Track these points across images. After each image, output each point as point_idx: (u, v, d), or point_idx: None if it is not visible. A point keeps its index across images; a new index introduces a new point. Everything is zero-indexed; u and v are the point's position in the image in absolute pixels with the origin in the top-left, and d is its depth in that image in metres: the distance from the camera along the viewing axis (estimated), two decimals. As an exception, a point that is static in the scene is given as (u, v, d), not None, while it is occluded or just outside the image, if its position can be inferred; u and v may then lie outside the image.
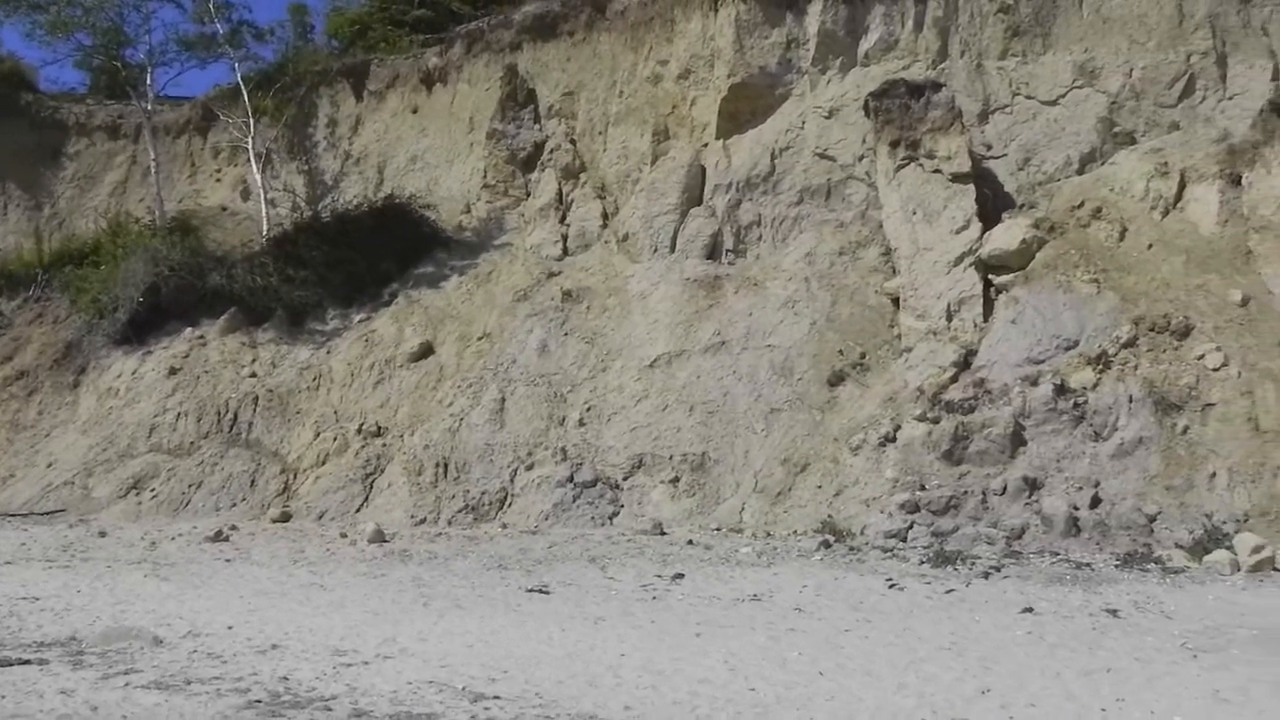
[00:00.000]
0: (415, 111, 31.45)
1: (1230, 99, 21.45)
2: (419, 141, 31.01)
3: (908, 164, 20.91)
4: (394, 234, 27.75)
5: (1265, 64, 21.46)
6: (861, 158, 22.75)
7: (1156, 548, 14.58)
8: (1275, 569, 13.51)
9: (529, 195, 27.92)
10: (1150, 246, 19.35)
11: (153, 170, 32.95)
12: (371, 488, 21.80)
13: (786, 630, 11.42)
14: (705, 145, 24.86)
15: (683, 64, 25.66)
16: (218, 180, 34.67)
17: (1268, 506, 15.07)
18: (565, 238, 26.28)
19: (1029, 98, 22.49)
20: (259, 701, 8.92)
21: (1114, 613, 11.89)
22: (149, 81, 33.63)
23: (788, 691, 9.10)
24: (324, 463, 22.87)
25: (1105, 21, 22.47)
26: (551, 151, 27.86)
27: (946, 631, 11.22)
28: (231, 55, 32.76)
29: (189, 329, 27.94)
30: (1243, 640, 10.63)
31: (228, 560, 17.50)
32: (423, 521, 20.28)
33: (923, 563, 14.72)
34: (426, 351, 24.83)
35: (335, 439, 23.23)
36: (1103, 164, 21.45)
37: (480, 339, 24.24)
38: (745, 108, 24.30)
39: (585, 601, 13.17)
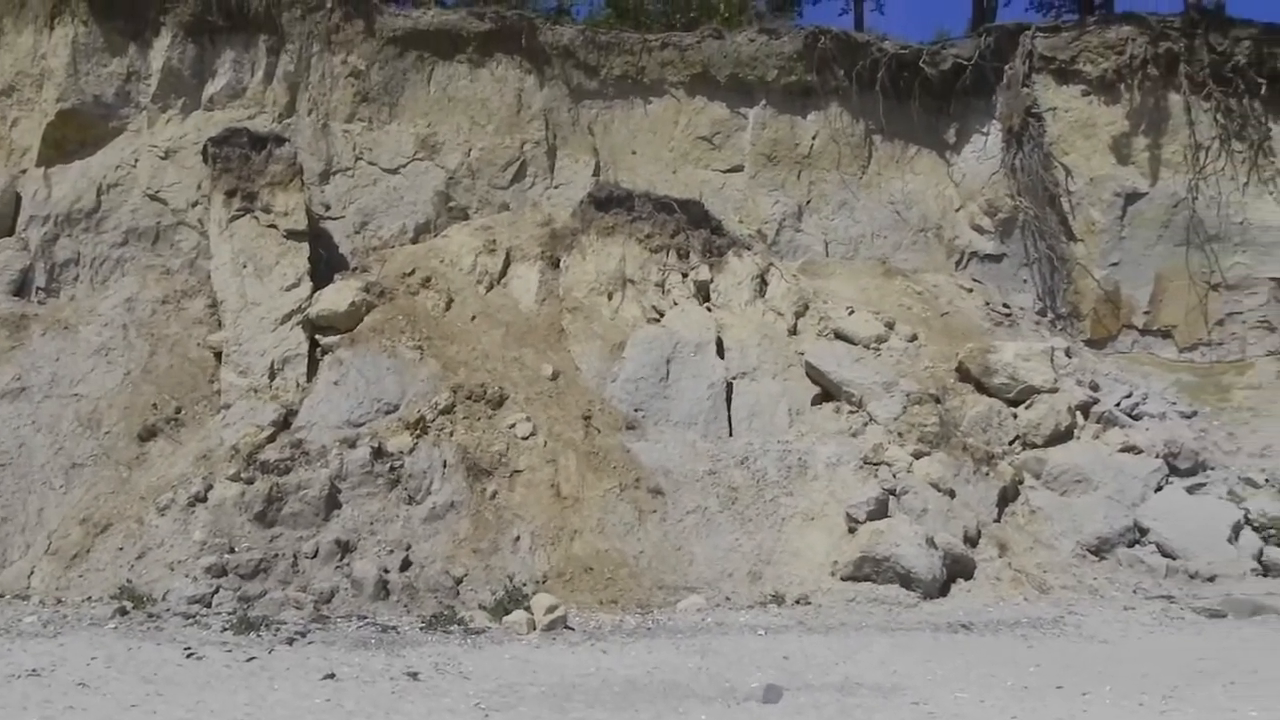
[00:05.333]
0: None
1: (556, 187, 23.27)
2: None
3: (243, 215, 20.24)
4: None
5: (589, 159, 23.51)
6: (195, 204, 21.76)
7: (461, 609, 14.92)
8: (567, 627, 14.32)
9: None
10: (474, 318, 20.21)
11: None
12: None
13: (65, 709, 10.41)
14: (24, 171, 22.50)
15: (7, 80, 23.13)
16: None
17: (564, 567, 16.02)
18: None
19: (372, 163, 22.81)
20: None
21: (414, 675, 11.97)
22: None
23: (42, 780, 8.20)
24: None
25: (450, 100, 23.41)
26: None
27: (242, 702, 10.78)
28: None
29: None
30: (533, 697, 11.11)
31: None
32: None
33: (225, 629, 13.97)
34: None
35: None
36: (436, 236, 22.27)
37: None
38: (74, 136, 22.33)
39: None
